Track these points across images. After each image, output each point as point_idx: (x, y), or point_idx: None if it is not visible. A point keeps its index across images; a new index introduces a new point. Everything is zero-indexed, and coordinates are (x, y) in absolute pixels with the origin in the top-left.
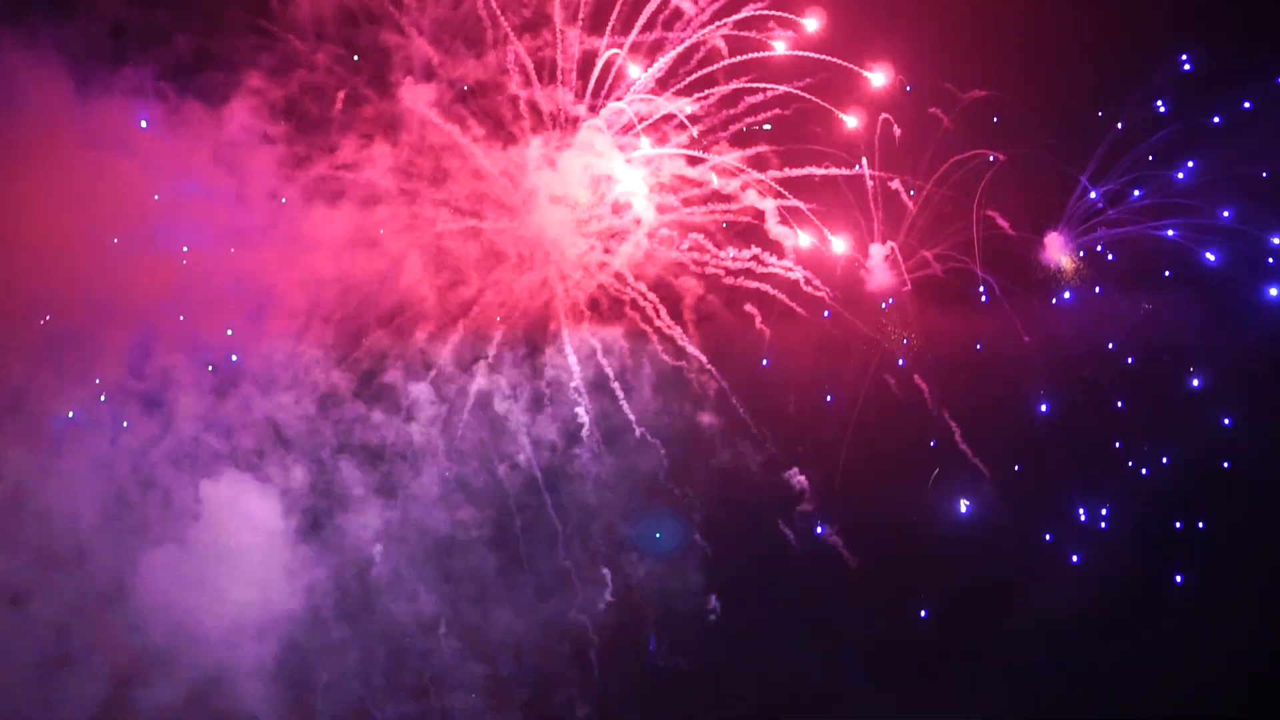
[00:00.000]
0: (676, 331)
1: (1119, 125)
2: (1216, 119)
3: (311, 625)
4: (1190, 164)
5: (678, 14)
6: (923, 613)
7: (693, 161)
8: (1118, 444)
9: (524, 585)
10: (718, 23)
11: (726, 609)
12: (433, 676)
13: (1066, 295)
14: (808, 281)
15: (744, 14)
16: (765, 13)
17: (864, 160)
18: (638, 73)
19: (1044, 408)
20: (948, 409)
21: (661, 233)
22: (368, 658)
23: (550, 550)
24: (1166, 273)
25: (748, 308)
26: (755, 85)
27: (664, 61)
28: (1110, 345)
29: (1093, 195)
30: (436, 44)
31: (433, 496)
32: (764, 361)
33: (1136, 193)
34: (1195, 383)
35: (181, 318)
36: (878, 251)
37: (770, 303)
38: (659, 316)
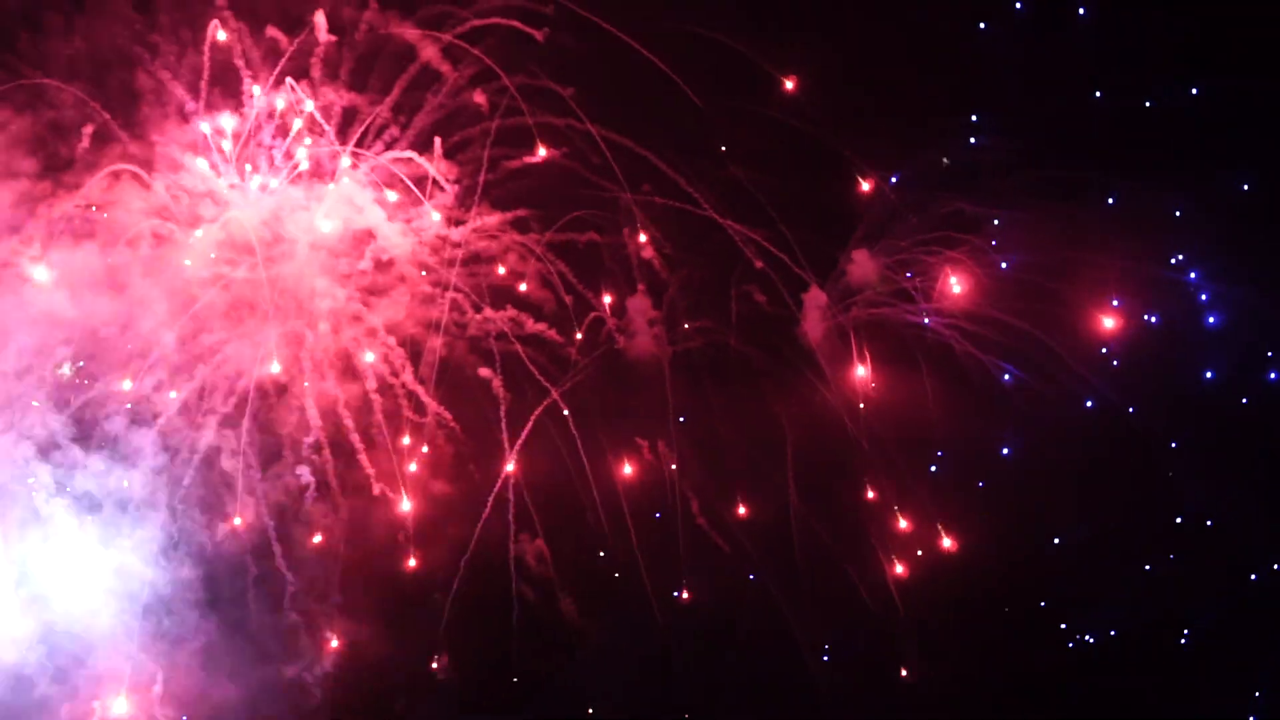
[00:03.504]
0: (420, 390)
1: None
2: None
3: (15, 682)
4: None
5: (437, 76)
6: None
7: (454, 222)
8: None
9: (245, 645)
10: (479, 87)
11: (456, 667)
12: None
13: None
14: (565, 346)
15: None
16: (527, 81)
17: (626, 230)
18: (389, 127)
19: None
20: (690, 483)
21: (422, 290)
22: None
23: (275, 610)
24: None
25: (483, 371)
26: (516, 152)
27: (419, 116)
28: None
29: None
30: (191, 90)
31: (151, 551)
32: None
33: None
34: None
35: None
36: (640, 318)
37: (518, 366)
38: (404, 373)
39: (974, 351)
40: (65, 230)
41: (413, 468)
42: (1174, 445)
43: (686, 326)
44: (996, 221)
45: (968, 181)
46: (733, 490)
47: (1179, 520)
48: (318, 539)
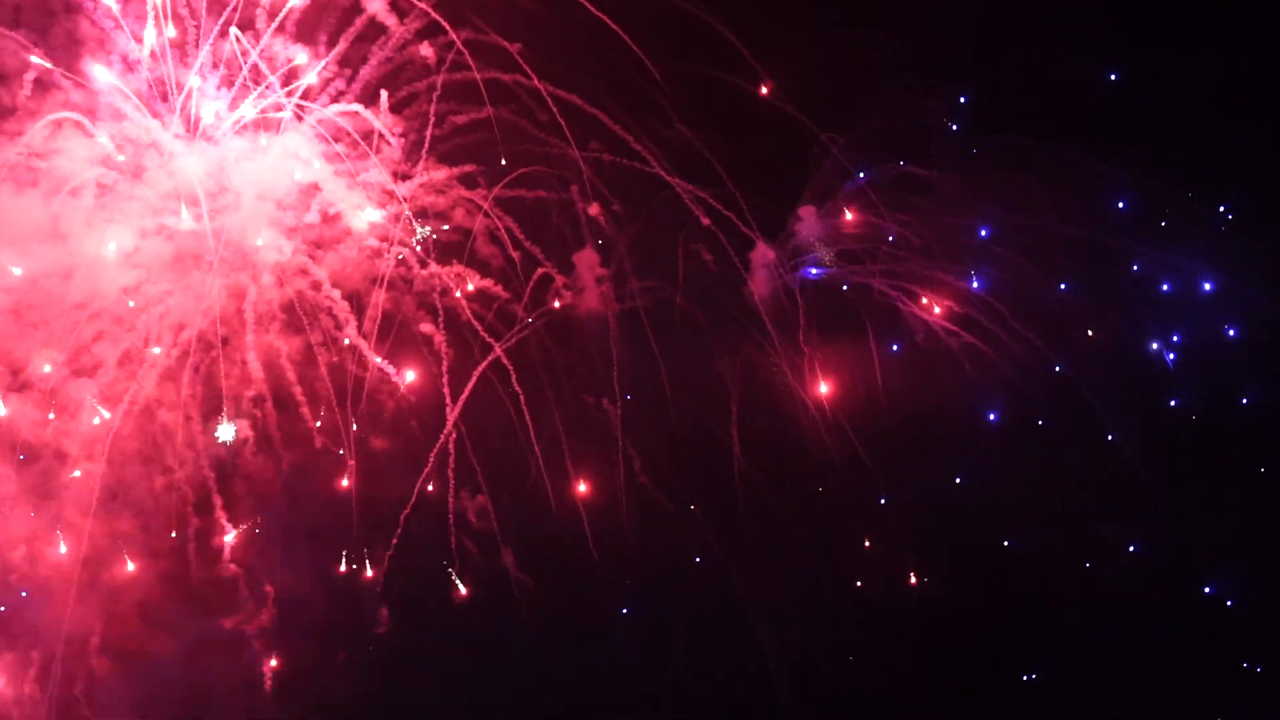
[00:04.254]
0: (364, 344)
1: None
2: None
3: None
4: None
5: (383, 29)
6: None
7: (402, 177)
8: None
9: (185, 597)
10: (426, 40)
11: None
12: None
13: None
14: (508, 302)
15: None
16: (474, 36)
17: (574, 187)
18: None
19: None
20: (632, 439)
21: (369, 243)
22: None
23: (215, 561)
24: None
25: (425, 326)
26: (462, 108)
27: (366, 68)
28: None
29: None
30: (137, 39)
31: (88, 503)
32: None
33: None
34: None
35: None
36: (588, 275)
37: (463, 322)
38: (349, 327)
39: (918, 312)
40: (6, 178)
41: (354, 426)
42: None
43: (634, 284)
44: (944, 185)
45: (917, 145)
46: (676, 448)
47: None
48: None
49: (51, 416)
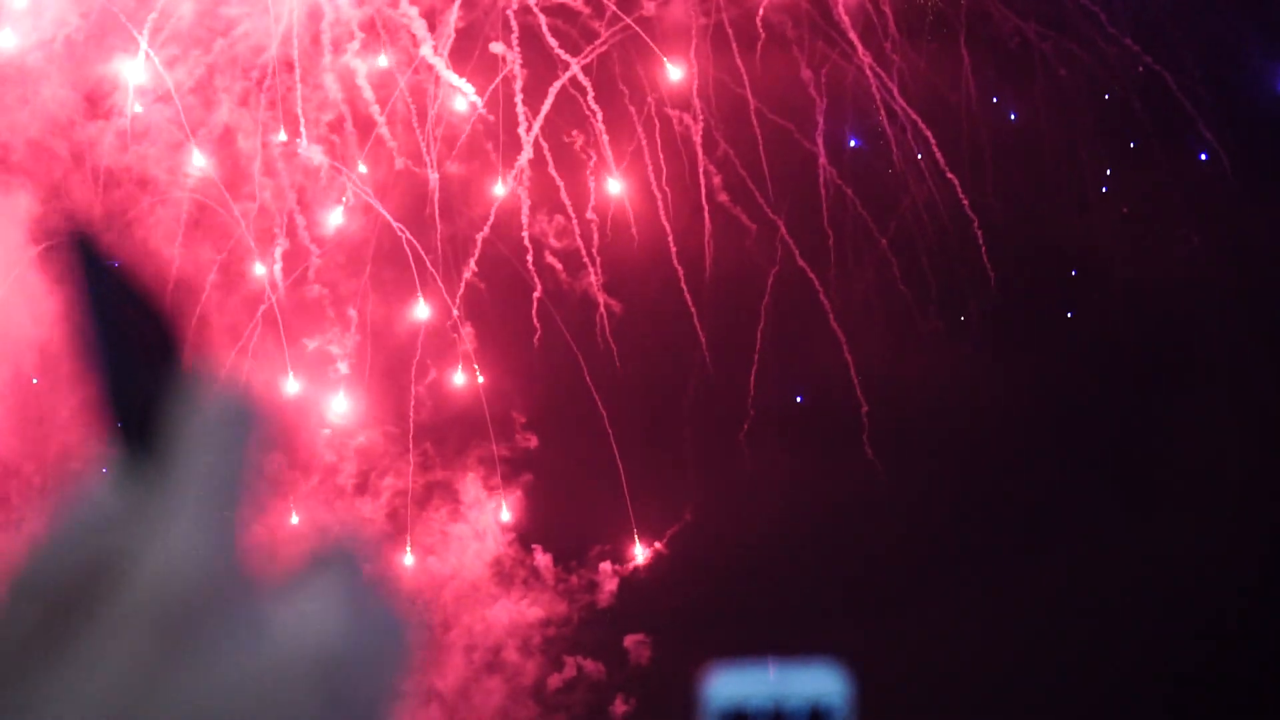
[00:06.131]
0: (439, 63)
1: None
2: None
3: None
4: None
5: None
6: None
7: None
8: None
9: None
10: None
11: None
12: None
13: None
14: (589, 17)
15: None
16: None
17: None
18: None
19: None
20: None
21: None
22: None
23: (300, 284)
24: None
25: (495, 45)
26: None
27: None
28: None
29: None
30: None
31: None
32: None
33: None
34: None
35: None
36: None
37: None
38: (423, 45)
39: (1013, 18)
40: None
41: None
42: None
43: None
44: None
45: None
46: (758, 163)
47: None
48: (340, 214)
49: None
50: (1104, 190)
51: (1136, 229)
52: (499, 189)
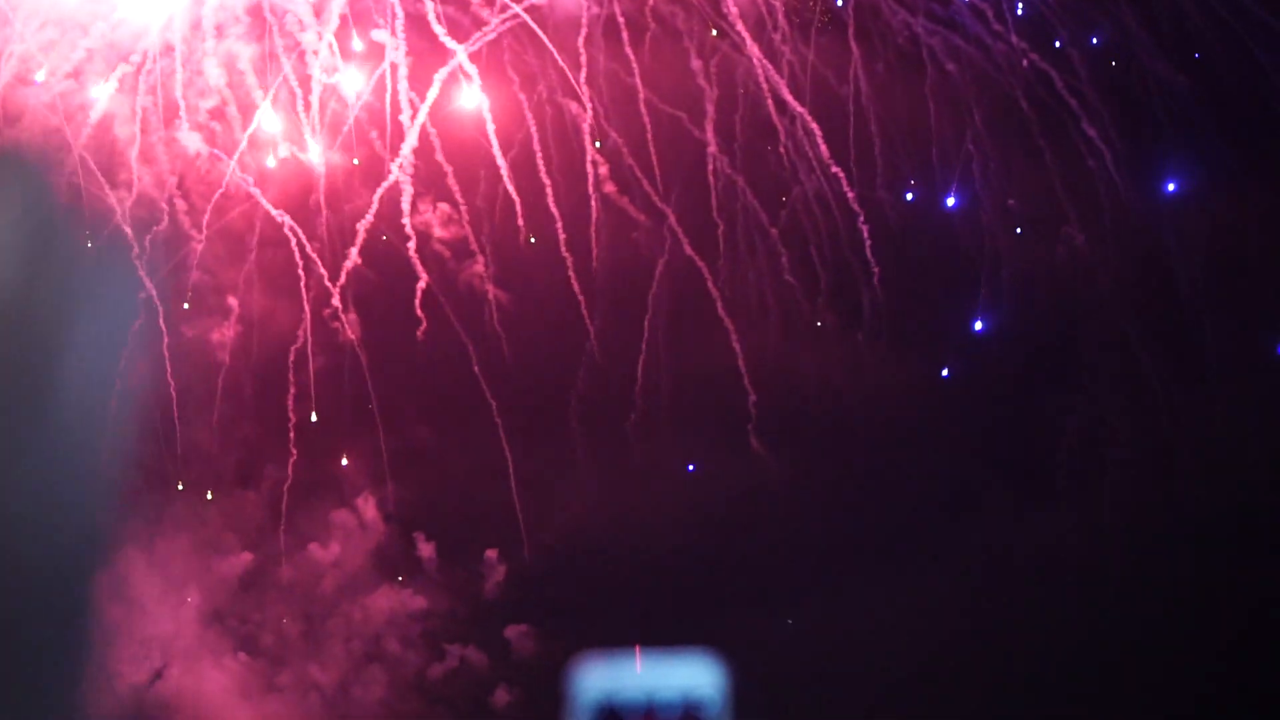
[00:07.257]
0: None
1: None
2: None
3: None
4: None
5: None
6: None
7: None
8: None
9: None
10: None
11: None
12: None
13: None
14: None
15: None
16: None
17: None
18: None
19: None
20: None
21: None
22: None
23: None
24: None
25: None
26: None
27: None
28: None
29: None
30: None
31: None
32: None
33: None
34: None
35: None
36: None
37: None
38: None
39: (902, 12)
40: None
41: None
42: None
43: None
44: None
45: None
46: (647, 153)
47: None
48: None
49: None
50: (990, 184)
51: (1023, 225)
52: (387, 178)
